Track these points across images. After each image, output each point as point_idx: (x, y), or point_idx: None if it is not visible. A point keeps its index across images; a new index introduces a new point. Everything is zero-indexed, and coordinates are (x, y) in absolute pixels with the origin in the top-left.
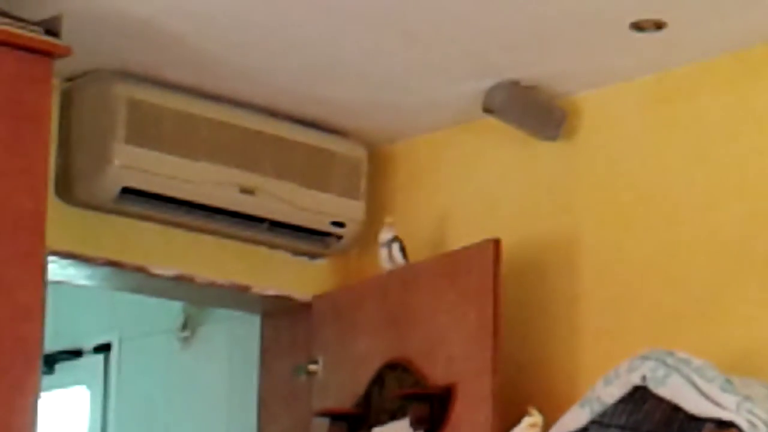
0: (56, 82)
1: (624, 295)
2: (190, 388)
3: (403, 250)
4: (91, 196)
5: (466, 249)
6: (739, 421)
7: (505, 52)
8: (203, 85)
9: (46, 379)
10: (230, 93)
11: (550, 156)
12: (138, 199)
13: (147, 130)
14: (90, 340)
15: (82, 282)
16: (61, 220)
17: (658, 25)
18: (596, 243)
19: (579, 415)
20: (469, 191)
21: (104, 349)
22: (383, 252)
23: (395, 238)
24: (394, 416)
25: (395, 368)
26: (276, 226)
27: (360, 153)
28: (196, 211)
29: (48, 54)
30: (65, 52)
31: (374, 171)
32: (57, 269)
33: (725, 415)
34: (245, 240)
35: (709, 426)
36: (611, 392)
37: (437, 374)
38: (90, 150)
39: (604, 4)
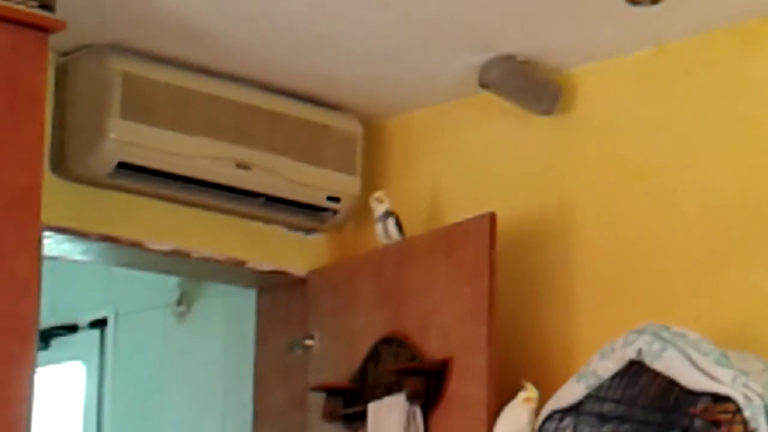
0: (51, 57)
1: (620, 270)
2: (185, 363)
3: (398, 224)
4: (86, 171)
5: (461, 223)
6: (735, 395)
7: (501, 26)
8: (199, 59)
9: (42, 355)
10: (226, 68)
11: (545, 130)
12: (133, 174)
13: (142, 104)
14: (86, 316)
15: (78, 257)
16: (56, 195)
17: None
18: (592, 217)
19: (575, 389)
20: (465, 166)
21: (100, 324)
22: (379, 227)
23: (390, 213)
24: (389, 391)
25: (391, 343)
26: (272, 200)
27: (356, 128)
28: (192, 186)
29: (43, 29)
30: (60, 27)
31: (370, 146)
32: (52, 245)
33: (721, 389)
34: (241, 215)
35: (704, 400)
36: (607, 366)
37: (433, 349)
38: (85, 125)
39: None
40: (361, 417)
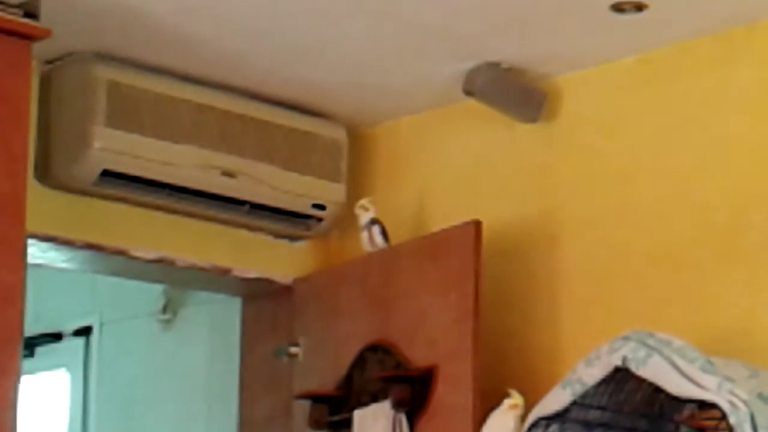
0: (35, 65)
1: (605, 277)
2: (171, 371)
3: (384, 232)
4: (71, 179)
5: (447, 231)
6: (720, 401)
7: (486, 34)
8: (183, 67)
9: (27, 363)
10: (211, 75)
11: (530, 138)
12: (118, 181)
13: (127, 112)
14: (70, 324)
15: (63, 265)
16: (40, 203)
17: (639, 7)
18: (577, 225)
19: (560, 396)
20: (450, 173)
21: (85, 332)
22: (364, 234)
23: (375, 221)
24: (375, 398)
25: (376, 350)
26: (257, 208)
27: (341, 135)
28: (177, 194)
29: (27, 37)
30: (44, 35)
31: (355, 153)
32: (37, 252)
33: (706, 396)
34: (226, 223)
35: (690, 407)
36: (592, 373)
37: (418, 356)
38: (70, 133)
39: None
40: (347, 424)
